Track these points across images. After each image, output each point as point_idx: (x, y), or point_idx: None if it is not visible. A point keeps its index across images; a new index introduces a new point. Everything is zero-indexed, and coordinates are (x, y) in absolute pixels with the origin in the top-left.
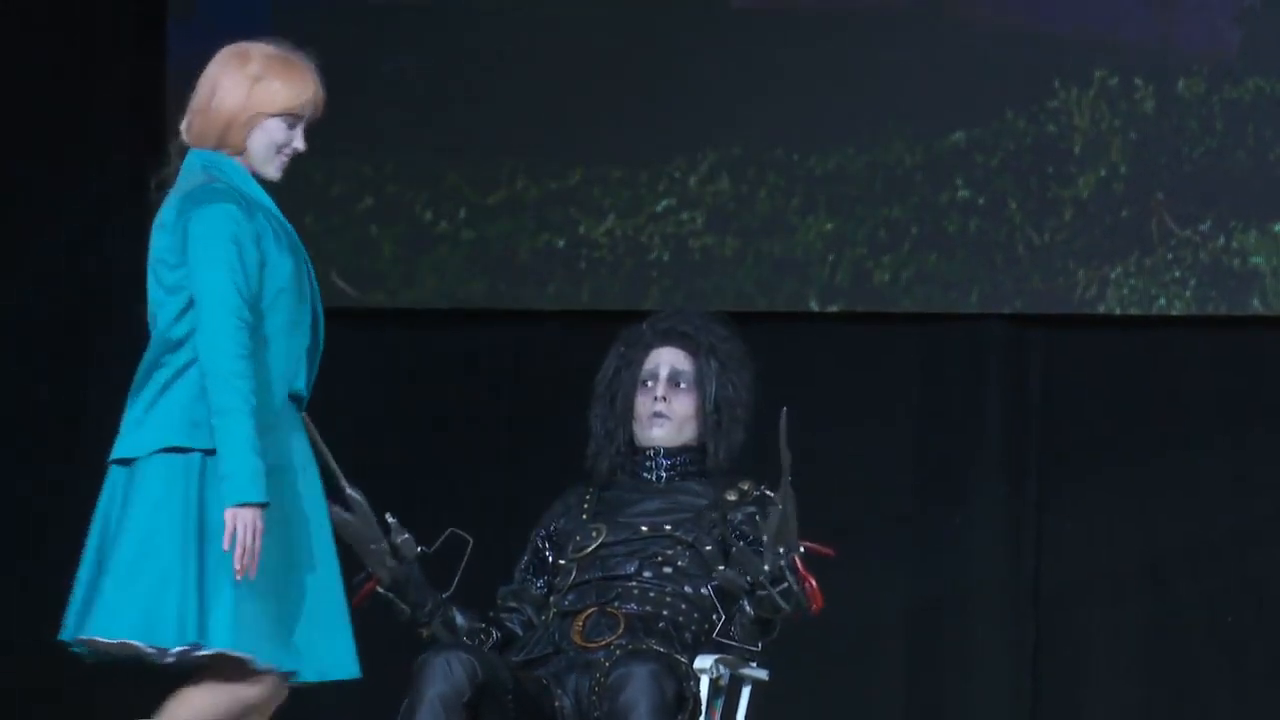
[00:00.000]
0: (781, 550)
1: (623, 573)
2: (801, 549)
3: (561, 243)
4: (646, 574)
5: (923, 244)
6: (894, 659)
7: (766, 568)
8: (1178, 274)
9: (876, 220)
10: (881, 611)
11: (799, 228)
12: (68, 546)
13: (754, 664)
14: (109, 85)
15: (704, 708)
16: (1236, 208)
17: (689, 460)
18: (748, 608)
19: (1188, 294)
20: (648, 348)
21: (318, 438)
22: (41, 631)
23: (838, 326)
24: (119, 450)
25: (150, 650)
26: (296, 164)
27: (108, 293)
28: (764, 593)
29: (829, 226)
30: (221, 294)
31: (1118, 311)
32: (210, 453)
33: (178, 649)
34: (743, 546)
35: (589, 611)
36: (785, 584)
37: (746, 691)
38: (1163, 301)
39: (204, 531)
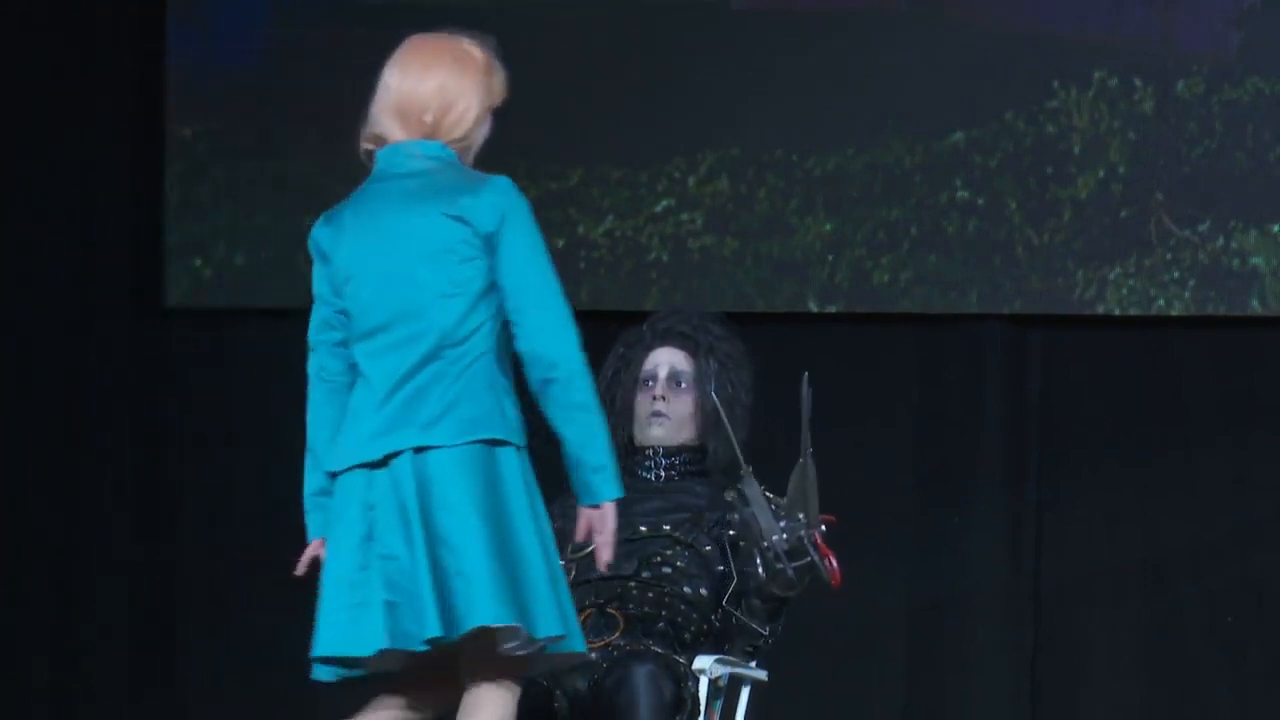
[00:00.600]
0: (804, 522)
1: (621, 573)
2: (823, 526)
3: (561, 243)
4: (645, 574)
5: (922, 245)
6: (894, 659)
7: (786, 538)
8: (1177, 274)
9: (876, 221)
10: (881, 611)
11: (798, 228)
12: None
13: (754, 664)
14: (108, 84)
15: (703, 708)
16: (1236, 208)
17: (688, 460)
18: (762, 574)
19: (1187, 294)
20: (647, 348)
21: None
22: None
23: (837, 327)
24: (415, 440)
25: (514, 643)
26: (296, 165)
27: (107, 292)
28: (780, 565)
29: (828, 227)
30: (556, 287)
31: (1117, 312)
32: (515, 447)
33: (542, 638)
34: (763, 514)
35: (587, 612)
36: (807, 558)
37: (746, 692)
38: (1162, 302)
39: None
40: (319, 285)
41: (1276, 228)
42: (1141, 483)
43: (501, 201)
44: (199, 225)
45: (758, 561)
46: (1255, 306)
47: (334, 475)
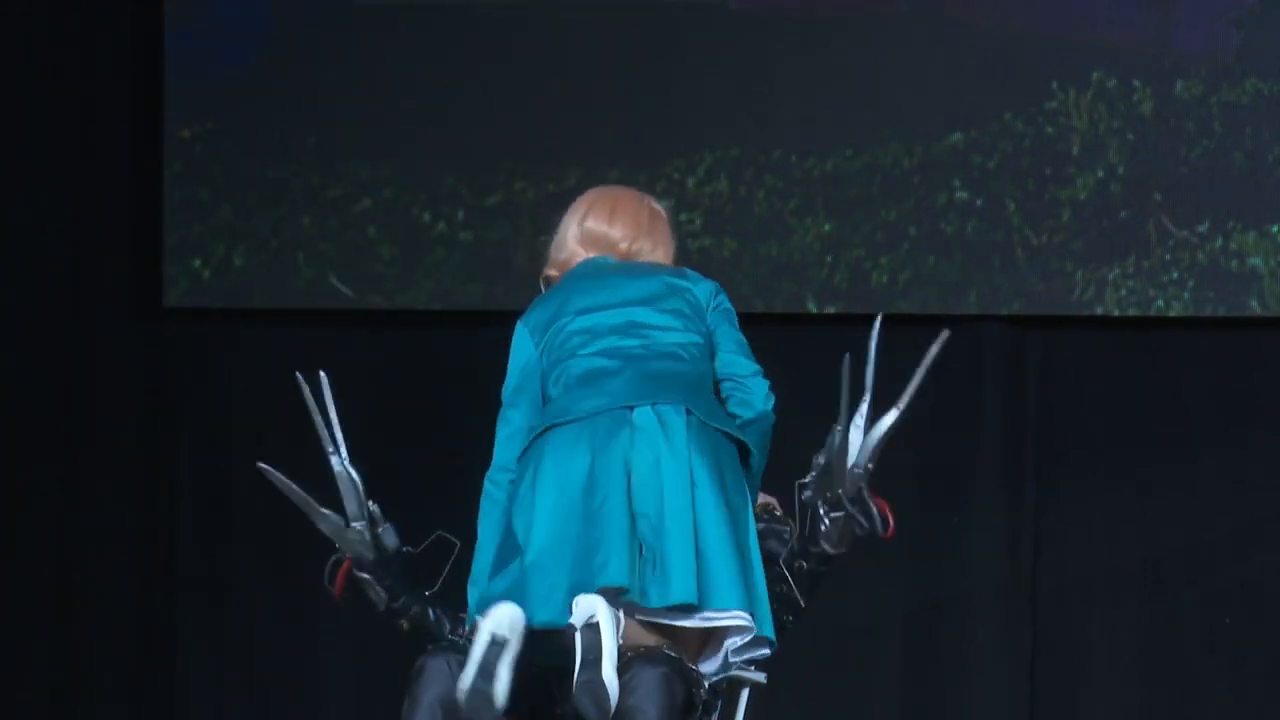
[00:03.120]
0: (861, 473)
1: None
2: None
3: None
4: None
5: (921, 246)
6: (892, 661)
7: (848, 489)
8: (1176, 275)
9: (874, 222)
10: (879, 613)
11: (797, 229)
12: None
13: (752, 668)
14: (107, 86)
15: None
16: (1234, 209)
17: None
18: (826, 524)
19: (1186, 295)
20: None
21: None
22: None
23: (836, 328)
24: (682, 401)
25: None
26: (294, 167)
27: (106, 292)
28: (839, 513)
29: (827, 228)
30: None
31: (1116, 313)
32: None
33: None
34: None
35: None
36: (864, 504)
37: (745, 695)
38: (1161, 303)
39: None
40: None
41: (1275, 228)
42: (1140, 483)
43: None
44: (198, 226)
45: (822, 511)
46: (1254, 307)
47: None
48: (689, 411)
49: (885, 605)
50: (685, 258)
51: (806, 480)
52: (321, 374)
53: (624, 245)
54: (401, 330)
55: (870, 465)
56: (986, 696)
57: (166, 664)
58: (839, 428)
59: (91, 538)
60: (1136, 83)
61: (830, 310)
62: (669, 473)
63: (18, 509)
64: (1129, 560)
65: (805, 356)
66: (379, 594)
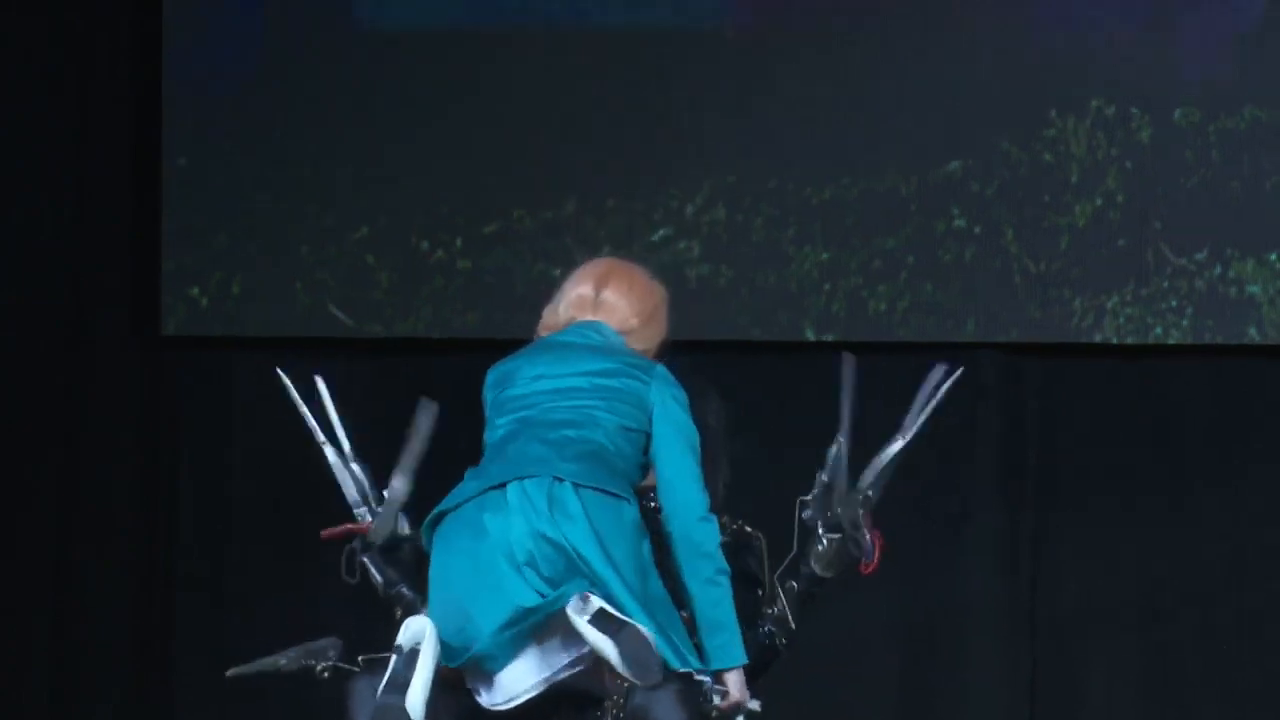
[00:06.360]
0: (861, 498)
1: None
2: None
3: (557, 272)
4: None
5: (918, 273)
6: (888, 689)
7: (843, 511)
8: (1174, 303)
9: (872, 250)
10: (876, 641)
11: (795, 257)
12: None
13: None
14: (105, 113)
15: None
16: (1233, 237)
17: None
18: (822, 544)
19: (1184, 323)
20: None
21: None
22: None
23: (834, 356)
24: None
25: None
26: (292, 195)
27: (104, 320)
28: (836, 535)
29: (825, 256)
30: None
31: (1114, 340)
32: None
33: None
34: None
35: None
36: (859, 530)
37: None
38: (1159, 330)
39: None
40: None
41: (1274, 256)
42: (1138, 512)
43: None
44: (196, 253)
45: (820, 532)
46: (1253, 335)
47: None
48: (557, 480)
49: (881, 632)
50: (683, 285)
51: (809, 498)
52: (317, 378)
53: (633, 322)
54: (400, 358)
55: (871, 493)
56: None
57: (166, 665)
58: (841, 438)
59: (91, 538)
60: (1135, 110)
61: (828, 338)
62: (557, 542)
63: (18, 532)
64: (1127, 587)
65: (803, 385)
66: (376, 579)
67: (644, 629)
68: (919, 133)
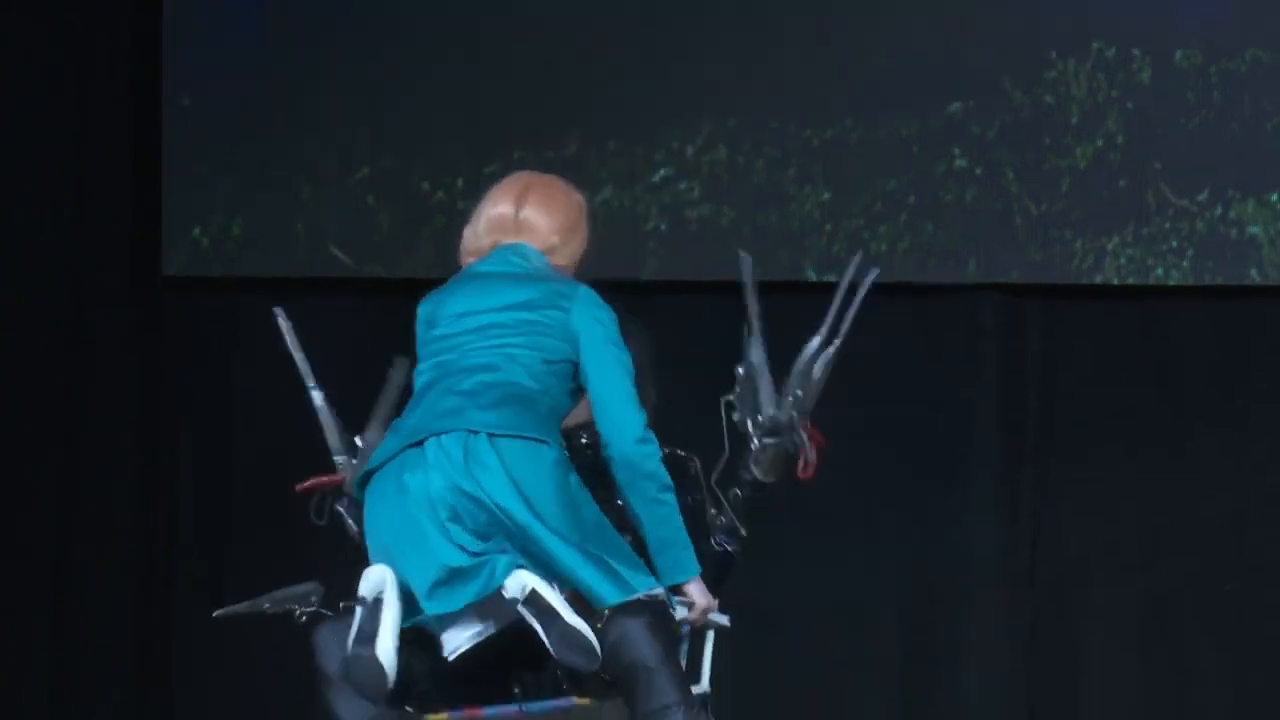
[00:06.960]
0: (799, 401)
1: None
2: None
3: None
4: None
5: (919, 214)
6: (889, 641)
7: (775, 414)
8: (1175, 244)
9: (873, 191)
10: (876, 594)
11: (796, 198)
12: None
13: (715, 609)
14: (107, 53)
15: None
16: (1234, 178)
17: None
18: (754, 445)
19: (1185, 264)
20: None
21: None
22: None
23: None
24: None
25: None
26: (293, 136)
27: (105, 260)
28: (771, 439)
29: (826, 197)
30: None
31: (1115, 282)
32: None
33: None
34: (765, 383)
35: None
36: (789, 438)
37: (710, 638)
38: (1160, 271)
39: None
40: None
41: (1274, 197)
42: (1139, 455)
43: None
44: (197, 194)
45: (752, 432)
46: (1253, 276)
47: None
48: (472, 432)
49: (881, 585)
50: (684, 226)
51: (732, 397)
52: (277, 311)
53: (555, 239)
54: (401, 298)
55: (800, 393)
56: (984, 677)
57: (166, 664)
58: (749, 334)
59: (91, 538)
60: (1136, 52)
61: (829, 279)
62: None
63: (17, 510)
64: (1128, 530)
65: (804, 325)
66: (352, 528)
67: (575, 621)
68: (920, 74)
